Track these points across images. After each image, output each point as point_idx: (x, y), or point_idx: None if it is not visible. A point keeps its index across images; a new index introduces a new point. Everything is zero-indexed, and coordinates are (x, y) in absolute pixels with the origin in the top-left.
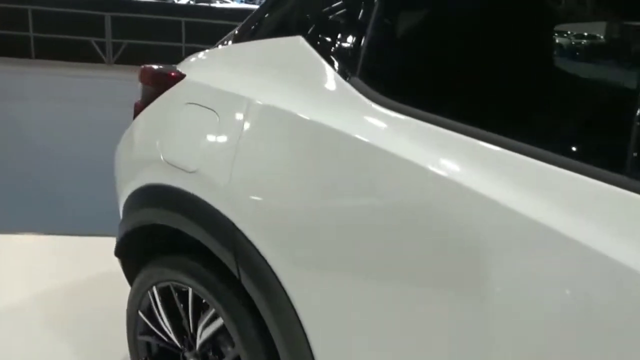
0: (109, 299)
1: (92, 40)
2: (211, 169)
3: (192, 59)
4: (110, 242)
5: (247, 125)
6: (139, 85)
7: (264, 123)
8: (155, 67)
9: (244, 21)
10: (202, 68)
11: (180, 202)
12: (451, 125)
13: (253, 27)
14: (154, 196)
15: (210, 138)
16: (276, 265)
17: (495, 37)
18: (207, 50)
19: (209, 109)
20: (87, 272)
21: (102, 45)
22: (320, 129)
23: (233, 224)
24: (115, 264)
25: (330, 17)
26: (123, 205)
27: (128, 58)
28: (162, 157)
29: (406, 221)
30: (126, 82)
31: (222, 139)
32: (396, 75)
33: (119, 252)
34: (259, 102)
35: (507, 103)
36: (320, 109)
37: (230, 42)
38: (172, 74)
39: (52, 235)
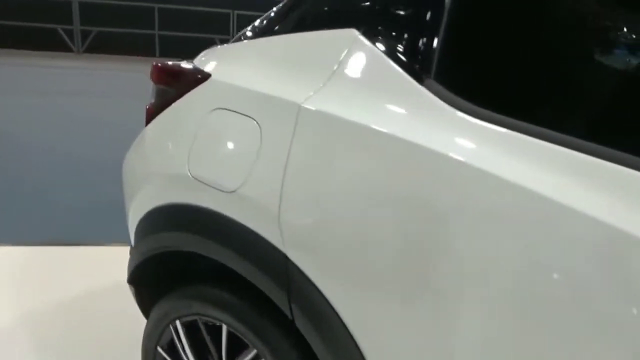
0: (98, 313)
1: (59, 28)
2: (255, 189)
3: (211, 54)
4: (91, 252)
5: (298, 138)
6: (152, 85)
7: (320, 135)
8: (170, 64)
9: (273, 11)
10: (230, 66)
11: (214, 227)
12: (550, 137)
13: (285, 17)
14: (178, 218)
15: (252, 152)
16: (340, 306)
17: (604, 33)
18: (228, 45)
19: (246, 116)
20: (70, 285)
21: (69, 33)
22: (393, 141)
23: (284, 256)
24: (98, 274)
25: (393, 3)
26: (136, 226)
27: (98, 47)
28: (189, 173)
29: (509, 252)
30: (97, 72)
31: (268, 153)
32: (481, 77)
33: (133, 280)
34: (312, 109)
35: (617, 112)
36: (391, 117)
37: (254, 36)
38: (195, 72)
39: (28, 247)
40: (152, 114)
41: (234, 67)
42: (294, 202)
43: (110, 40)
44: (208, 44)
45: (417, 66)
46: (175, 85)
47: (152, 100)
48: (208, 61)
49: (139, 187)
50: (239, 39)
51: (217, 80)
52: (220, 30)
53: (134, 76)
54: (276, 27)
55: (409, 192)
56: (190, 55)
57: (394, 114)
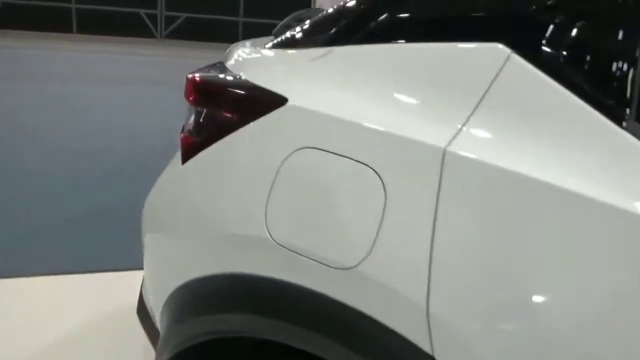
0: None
1: None
2: (386, 268)
3: (261, 64)
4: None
5: (448, 196)
6: (186, 105)
7: (485, 193)
8: (220, 79)
9: (343, 10)
10: (311, 85)
11: (315, 313)
12: None
13: (376, 21)
14: (248, 295)
15: (373, 214)
16: None
17: None
18: (279, 51)
19: (355, 161)
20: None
21: None
22: (603, 210)
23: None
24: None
25: (565, 13)
26: (166, 298)
27: (4, 22)
28: (269, 237)
29: None
30: (3, 50)
31: (401, 217)
32: None
33: None
34: (467, 157)
35: None
36: (591, 173)
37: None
38: (264, 95)
39: None
40: (191, 145)
41: (317, 87)
42: (451, 288)
43: (19, 14)
44: (132, 19)
45: (611, 101)
46: (231, 109)
47: (190, 128)
48: (263, 74)
49: (172, 247)
50: (288, 44)
51: (299, 107)
52: (146, 4)
53: (47, 55)
54: (361, 34)
55: (622, 275)
56: (113, 32)
57: (593, 168)
